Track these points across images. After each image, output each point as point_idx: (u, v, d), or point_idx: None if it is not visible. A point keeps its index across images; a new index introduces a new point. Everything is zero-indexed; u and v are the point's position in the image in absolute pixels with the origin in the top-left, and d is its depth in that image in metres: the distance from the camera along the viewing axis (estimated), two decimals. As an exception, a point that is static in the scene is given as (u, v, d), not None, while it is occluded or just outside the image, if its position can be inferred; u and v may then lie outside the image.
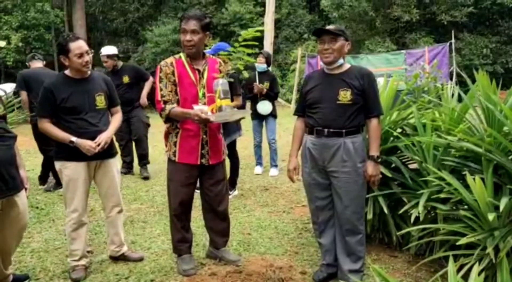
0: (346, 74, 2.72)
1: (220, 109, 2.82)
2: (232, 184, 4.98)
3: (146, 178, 5.88)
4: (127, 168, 6.15)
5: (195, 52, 2.93)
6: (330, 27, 2.72)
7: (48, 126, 2.94)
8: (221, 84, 2.82)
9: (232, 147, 4.94)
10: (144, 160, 6.03)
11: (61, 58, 2.96)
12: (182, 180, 3.00)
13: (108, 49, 5.86)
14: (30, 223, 4.14)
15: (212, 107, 2.85)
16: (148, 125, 6.12)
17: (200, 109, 2.77)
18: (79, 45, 2.89)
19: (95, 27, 22.02)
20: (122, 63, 5.98)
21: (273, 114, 5.89)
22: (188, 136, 2.95)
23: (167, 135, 3.05)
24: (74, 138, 2.87)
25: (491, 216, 2.38)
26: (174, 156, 2.98)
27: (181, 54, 3.00)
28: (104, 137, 2.95)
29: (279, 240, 3.63)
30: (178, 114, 2.87)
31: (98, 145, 2.90)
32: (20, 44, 15.32)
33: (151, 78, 5.93)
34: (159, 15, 20.03)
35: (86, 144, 2.88)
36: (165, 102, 2.88)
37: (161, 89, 2.90)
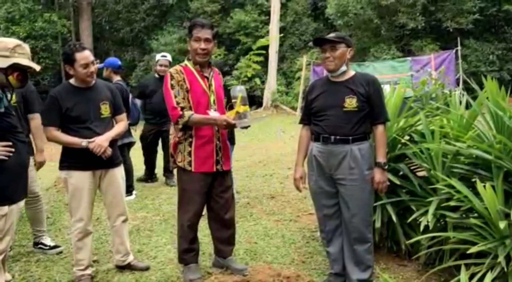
0: (351, 81, 2.71)
1: (244, 115, 2.89)
2: (128, 188, 4.97)
3: None
4: (149, 176, 6.08)
5: (206, 61, 2.95)
6: (330, 35, 2.72)
7: (56, 134, 2.92)
8: (241, 90, 2.88)
9: (122, 150, 4.99)
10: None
11: (66, 68, 2.97)
12: (197, 189, 2.97)
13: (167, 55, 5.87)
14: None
15: (231, 113, 2.87)
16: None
17: (226, 116, 2.83)
18: (84, 55, 2.89)
19: (102, 37, 22.25)
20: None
21: (230, 139, 4.34)
22: (203, 143, 2.93)
23: (175, 146, 2.99)
24: (85, 141, 2.86)
25: (502, 224, 2.34)
26: (190, 165, 2.94)
27: (187, 62, 3.00)
28: (98, 139, 2.89)
29: (286, 249, 3.59)
30: (200, 121, 2.86)
31: (100, 150, 2.87)
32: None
33: None
34: (165, 25, 20.22)
35: (97, 142, 2.87)
36: (182, 109, 2.84)
37: (175, 96, 2.85)
